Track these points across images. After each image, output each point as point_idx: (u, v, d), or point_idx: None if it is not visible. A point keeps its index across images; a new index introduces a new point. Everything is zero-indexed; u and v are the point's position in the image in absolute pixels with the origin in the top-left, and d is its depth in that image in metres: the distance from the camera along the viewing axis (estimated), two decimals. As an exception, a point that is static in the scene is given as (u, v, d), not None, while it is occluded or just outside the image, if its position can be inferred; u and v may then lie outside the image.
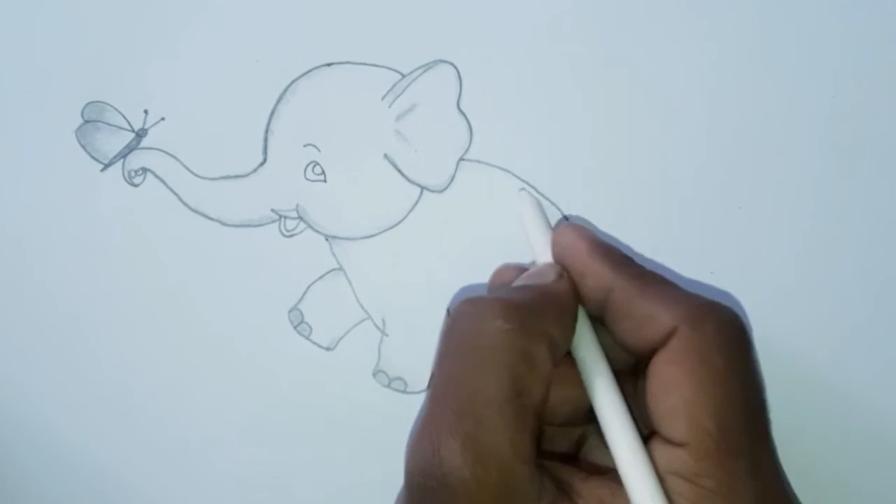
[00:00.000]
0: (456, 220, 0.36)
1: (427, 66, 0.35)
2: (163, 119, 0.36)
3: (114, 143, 0.36)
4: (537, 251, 0.29)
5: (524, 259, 0.37)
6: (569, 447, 0.29)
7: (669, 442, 0.23)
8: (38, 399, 0.38)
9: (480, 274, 0.36)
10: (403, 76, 0.35)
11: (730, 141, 0.35)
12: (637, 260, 0.27)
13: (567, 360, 0.27)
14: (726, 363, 0.23)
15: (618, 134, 0.36)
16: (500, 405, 0.23)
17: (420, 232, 0.36)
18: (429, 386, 0.25)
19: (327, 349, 0.37)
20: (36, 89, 0.36)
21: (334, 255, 0.36)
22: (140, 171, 0.36)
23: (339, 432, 0.37)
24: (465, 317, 0.25)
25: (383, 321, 0.37)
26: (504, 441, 0.23)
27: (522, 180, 0.36)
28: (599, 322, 0.27)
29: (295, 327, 0.37)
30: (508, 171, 0.36)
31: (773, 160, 0.36)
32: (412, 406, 0.37)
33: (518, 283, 0.28)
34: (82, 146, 0.36)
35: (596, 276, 0.26)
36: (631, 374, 0.27)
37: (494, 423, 0.23)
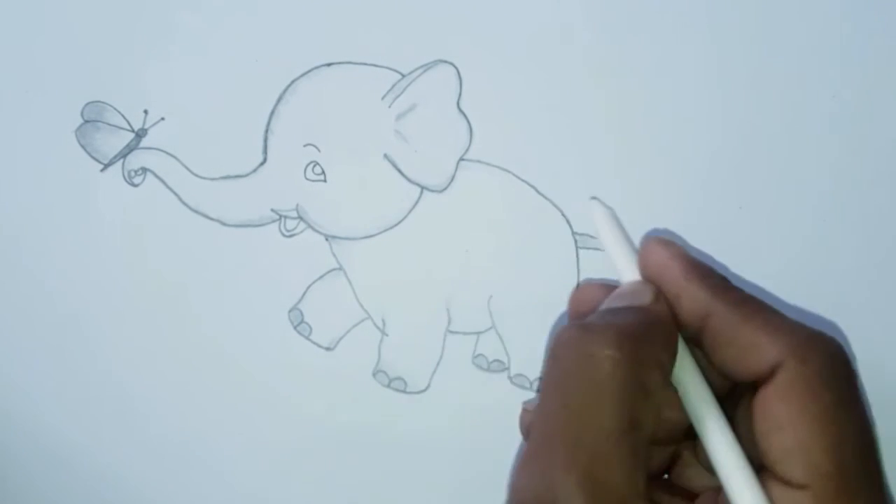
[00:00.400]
0: (456, 220, 0.36)
1: (427, 66, 0.35)
2: (163, 119, 0.36)
3: (114, 143, 0.36)
4: (622, 268, 0.27)
5: (526, 259, 0.37)
6: (659, 466, 0.28)
7: (786, 483, 0.23)
8: (37, 399, 0.38)
9: (480, 274, 0.36)
10: (403, 76, 0.35)
11: (730, 141, 0.35)
12: (734, 282, 0.26)
13: None
14: (837, 399, 0.23)
15: (618, 134, 0.36)
16: (617, 439, 0.22)
17: (420, 232, 0.36)
18: (538, 417, 0.24)
19: (327, 349, 0.37)
20: (36, 89, 0.36)
21: (334, 255, 0.36)
22: (140, 171, 0.36)
23: (339, 432, 0.37)
24: (574, 344, 0.24)
25: (383, 321, 0.37)
26: (622, 477, 0.22)
27: (522, 180, 0.36)
28: (695, 345, 0.26)
29: (295, 327, 0.37)
30: (508, 171, 0.36)
31: (773, 160, 0.36)
32: (412, 406, 0.37)
33: (613, 304, 0.27)
34: (82, 146, 0.36)
35: (693, 300, 0.25)
36: (728, 398, 0.27)
37: (612, 459, 0.22)
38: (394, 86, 0.35)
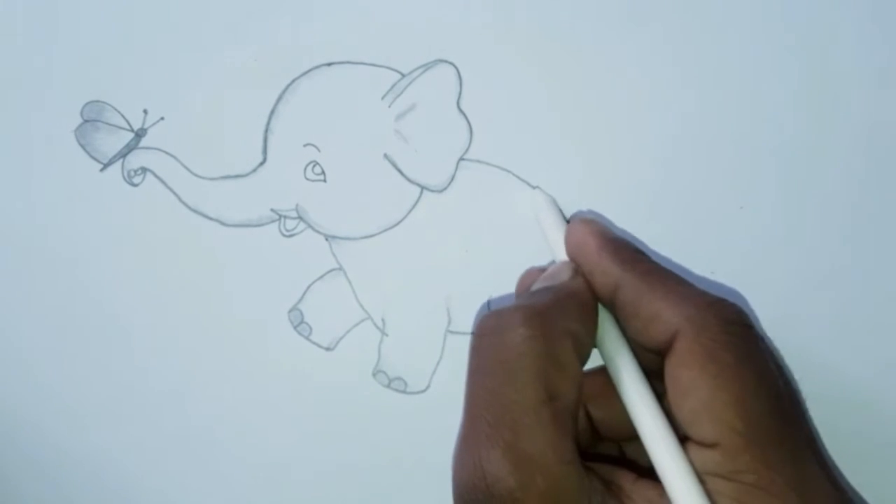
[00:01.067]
0: (456, 220, 0.36)
1: (427, 66, 0.35)
2: (162, 119, 0.36)
3: (113, 142, 0.36)
4: (554, 250, 0.29)
5: (526, 260, 0.37)
6: (617, 448, 0.29)
7: (701, 444, 0.23)
8: (36, 399, 0.38)
9: (480, 274, 0.36)
10: (403, 76, 0.35)
11: (730, 141, 0.35)
12: (652, 256, 0.27)
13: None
14: (736, 359, 0.23)
15: (618, 134, 0.36)
16: (535, 411, 0.23)
17: (420, 232, 0.36)
18: (464, 404, 0.25)
19: (327, 349, 0.37)
20: (35, 89, 0.36)
21: (334, 255, 0.36)
22: (139, 171, 0.36)
23: (339, 432, 0.37)
24: (488, 330, 0.25)
25: (383, 321, 0.37)
26: (544, 445, 0.23)
27: (522, 180, 0.36)
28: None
29: (295, 327, 0.37)
30: (508, 171, 0.36)
31: (773, 160, 0.36)
32: (412, 406, 0.37)
33: (535, 286, 0.28)
34: (82, 146, 0.36)
35: (604, 273, 0.26)
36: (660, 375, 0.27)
37: (532, 430, 0.23)
38: (394, 86, 0.35)
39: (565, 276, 0.27)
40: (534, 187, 0.35)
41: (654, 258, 0.28)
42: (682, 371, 0.24)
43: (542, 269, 0.30)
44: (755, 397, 0.23)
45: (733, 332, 0.24)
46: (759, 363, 0.24)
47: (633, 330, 0.26)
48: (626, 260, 0.26)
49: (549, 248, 0.29)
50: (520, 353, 0.24)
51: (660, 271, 0.26)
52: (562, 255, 0.29)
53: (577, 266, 0.28)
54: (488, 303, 0.35)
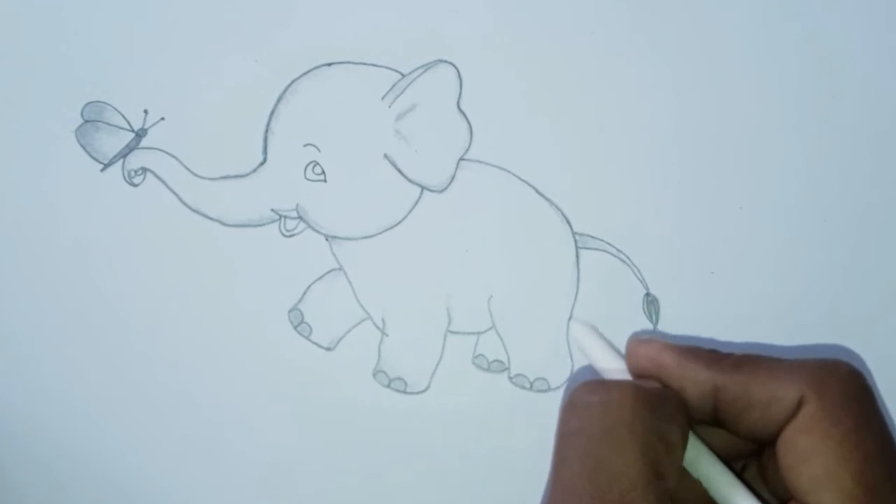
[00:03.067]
0: (456, 220, 0.36)
1: (427, 66, 0.35)
2: (163, 119, 0.36)
3: (113, 142, 0.36)
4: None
5: (526, 260, 0.37)
6: None
7: None
8: (37, 398, 0.38)
9: (480, 274, 0.36)
10: (403, 76, 0.35)
11: (730, 141, 0.35)
12: (718, 347, 0.27)
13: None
14: (858, 422, 0.23)
15: (618, 134, 0.36)
16: (643, 488, 0.22)
17: (420, 232, 0.36)
18: (554, 468, 0.24)
19: (327, 349, 0.37)
20: (36, 89, 0.36)
21: (334, 255, 0.36)
22: (140, 171, 0.36)
23: (339, 432, 0.37)
24: (592, 394, 0.24)
25: (383, 321, 0.37)
26: None
27: (522, 180, 0.36)
28: (716, 425, 0.26)
29: (295, 327, 0.37)
30: (508, 171, 0.36)
31: (773, 160, 0.36)
32: (412, 406, 0.37)
33: None
34: (82, 146, 0.36)
35: (696, 382, 0.25)
36: (755, 459, 0.27)
37: None
38: (394, 86, 0.35)
39: (656, 384, 0.26)
40: (570, 320, 0.34)
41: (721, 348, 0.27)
42: (803, 437, 0.23)
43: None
44: (876, 463, 0.23)
45: (853, 392, 0.24)
46: (877, 426, 0.23)
47: (749, 421, 0.25)
48: (712, 361, 0.25)
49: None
50: (629, 423, 0.23)
51: (752, 358, 0.25)
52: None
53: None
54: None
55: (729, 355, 0.26)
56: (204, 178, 0.36)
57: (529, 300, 0.36)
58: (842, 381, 0.24)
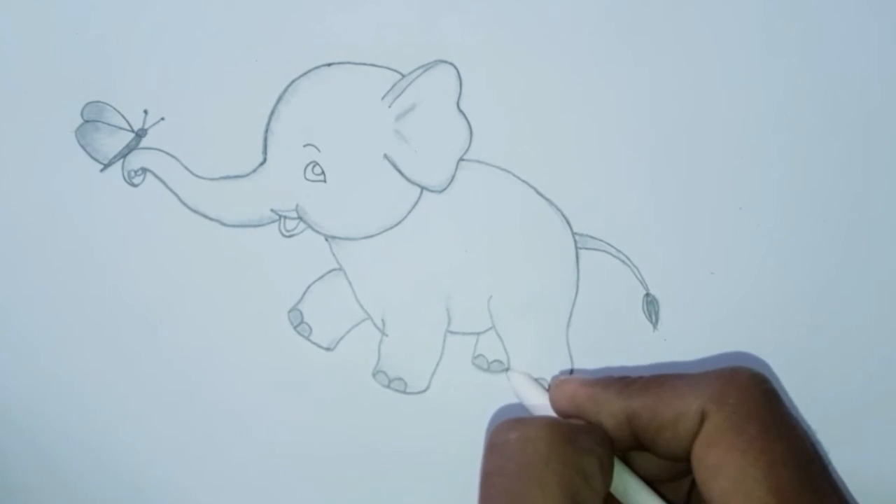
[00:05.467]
0: (456, 220, 0.36)
1: (427, 66, 0.35)
2: (163, 119, 0.36)
3: (113, 143, 0.36)
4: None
5: (526, 260, 0.37)
6: None
7: None
8: (39, 398, 0.38)
9: (480, 274, 0.36)
10: (403, 76, 0.35)
11: (730, 141, 0.35)
12: (627, 371, 0.27)
13: None
14: (762, 428, 0.23)
15: (618, 134, 0.36)
16: None
17: (420, 232, 0.36)
18: None
19: (327, 349, 0.37)
20: (35, 89, 0.36)
21: (334, 255, 0.36)
22: (140, 171, 0.36)
23: (339, 433, 0.37)
24: (509, 432, 0.24)
25: (383, 321, 0.37)
26: None
27: (522, 180, 0.36)
28: (644, 450, 0.27)
29: (295, 327, 0.37)
30: (508, 171, 0.36)
31: (773, 160, 0.36)
32: (412, 406, 0.37)
33: None
34: (82, 146, 0.36)
35: (611, 414, 0.26)
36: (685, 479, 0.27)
37: None
38: (394, 86, 0.35)
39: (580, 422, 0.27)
40: (505, 370, 0.36)
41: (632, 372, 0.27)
42: (710, 451, 0.23)
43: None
44: (785, 467, 0.22)
45: (755, 398, 0.24)
46: (785, 429, 0.23)
47: (665, 441, 0.25)
48: (622, 389, 0.26)
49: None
50: (546, 457, 0.23)
51: (657, 379, 0.26)
52: None
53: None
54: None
55: (637, 379, 0.26)
56: (204, 178, 0.36)
57: (529, 300, 0.36)
58: (742, 388, 0.24)
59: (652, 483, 0.27)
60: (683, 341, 0.36)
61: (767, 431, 0.23)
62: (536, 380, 0.30)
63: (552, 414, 0.28)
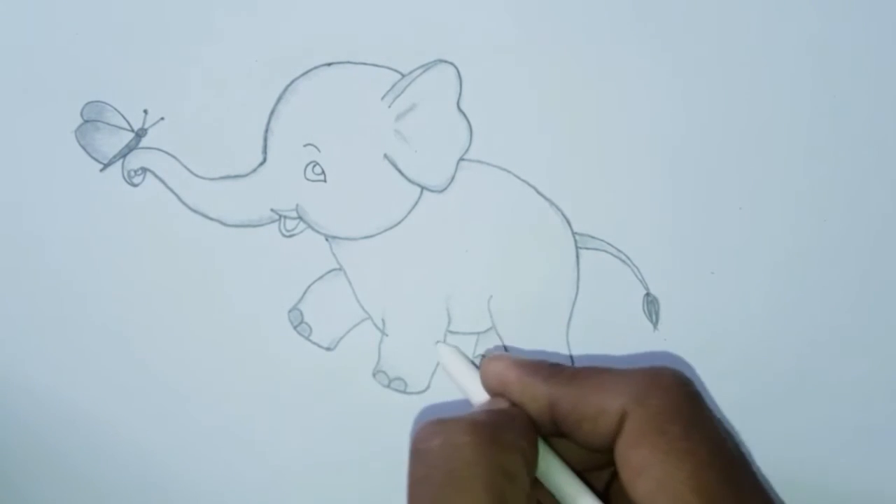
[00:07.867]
0: (456, 220, 0.36)
1: (427, 66, 0.35)
2: (162, 119, 0.36)
3: (113, 142, 0.36)
4: (473, 396, 0.29)
5: (525, 260, 0.37)
6: None
7: None
8: (37, 397, 0.38)
9: (480, 274, 0.36)
10: (403, 76, 0.35)
11: (730, 141, 0.36)
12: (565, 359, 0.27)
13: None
14: (685, 429, 0.23)
15: (618, 134, 0.36)
16: None
17: (420, 232, 0.36)
18: None
19: (327, 349, 0.37)
20: (35, 89, 0.36)
21: (334, 255, 0.36)
22: (140, 171, 0.36)
23: (339, 432, 0.37)
24: (432, 437, 0.24)
25: (383, 321, 0.37)
26: None
27: (522, 180, 0.36)
28: (562, 436, 0.27)
29: (295, 327, 0.37)
30: (508, 171, 0.36)
31: (772, 160, 0.36)
32: (412, 406, 0.37)
33: (473, 412, 0.27)
34: (82, 146, 0.36)
35: (534, 398, 0.26)
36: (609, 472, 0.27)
37: None
38: (394, 86, 0.35)
39: (502, 404, 0.27)
40: (435, 343, 0.36)
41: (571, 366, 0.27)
42: (633, 452, 0.23)
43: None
44: (709, 468, 0.22)
45: (677, 399, 0.24)
46: (708, 431, 0.23)
47: (584, 434, 0.25)
48: (549, 376, 0.26)
49: (470, 398, 0.29)
50: (469, 462, 0.23)
51: (585, 371, 0.26)
52: (482, 399, 0.28)
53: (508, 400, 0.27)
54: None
55: (565, 368, 0.26)
56: (204, 178, 0.36)
57: (529, 300, 0.36)
58: (665, 389, 0.24)
59: (574, 470, 0.27)
60: (683, 341, 0.36)
61: (690, 433, 0.23)
62: (466, 358, 0.30)
63: (479, 391, 0.28)
